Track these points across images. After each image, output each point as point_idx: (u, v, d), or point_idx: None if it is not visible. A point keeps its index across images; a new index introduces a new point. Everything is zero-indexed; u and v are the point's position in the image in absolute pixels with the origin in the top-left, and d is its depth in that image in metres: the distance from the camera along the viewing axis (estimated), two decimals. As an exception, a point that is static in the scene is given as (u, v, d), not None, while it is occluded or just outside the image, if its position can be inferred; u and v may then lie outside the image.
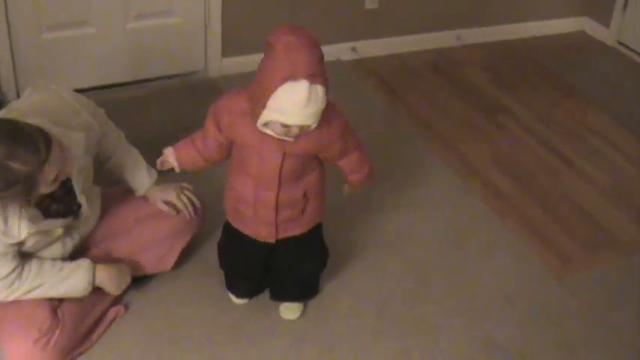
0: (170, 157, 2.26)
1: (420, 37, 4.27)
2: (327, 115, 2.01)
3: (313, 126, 1.99)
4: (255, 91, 1.95)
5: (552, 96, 4.01)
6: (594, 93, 4.06)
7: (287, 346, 2.40)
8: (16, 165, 1.82)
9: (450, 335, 2.51)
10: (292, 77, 1.86)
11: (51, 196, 2.10)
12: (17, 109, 2.08)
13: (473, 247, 2.89)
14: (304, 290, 2.50)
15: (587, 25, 4.74)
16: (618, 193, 3.28)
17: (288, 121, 1.93)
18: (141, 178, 2.46)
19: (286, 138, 2.02)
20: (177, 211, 2.47)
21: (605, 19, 4.62)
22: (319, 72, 1.90)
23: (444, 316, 2.58)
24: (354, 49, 4.11)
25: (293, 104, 1.89)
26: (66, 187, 2.14)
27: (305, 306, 2.52)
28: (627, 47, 4.53)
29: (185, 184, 2.54)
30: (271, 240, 2.27)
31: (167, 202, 2.47)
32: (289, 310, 2.49)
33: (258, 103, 1.94)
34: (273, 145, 2.06)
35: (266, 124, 1.99)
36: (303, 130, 1.99)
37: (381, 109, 3.70)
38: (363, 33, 4.10)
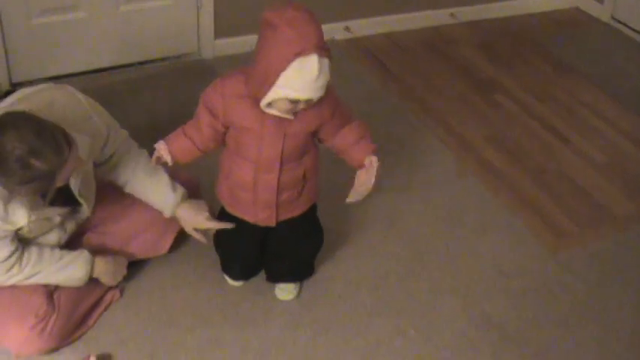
0: (163, 151, 2.19)
1: (415, 16, 4.25)
2: None
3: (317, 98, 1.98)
4: (260, 71, 1.93)
5: (547, 73, 3.99)
6: (589, 69, 4.05)
7: (283, 327, 2.41)
8: (37, 163, 1.80)
9: (445, 313, 2.52)
10: (303, 52, 1.85)
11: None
12: (30, 101, 2.05)
13: (468, 225, 2.89)
14: (300, 270, 2.50)
15: (581, 1, 4.72)
16: (613, 168, 3.28)
17: (299, 96, 1.92)
18: (164, 199, 2.37)
19: (288, 116, 2.01)
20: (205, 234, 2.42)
21: (599, -5, 4.61)
22: (325, 45, 1.90)
23: (440, 294, 2.58)
24: (347, 29, 4.09)
25: (305, 79, 1.88)
26: (64, 189, 2.14)
27: (300, 286, 2.53)
28: (622, 23, 4.51)
29: (202, 202, 2.43)
30: (272, 224, 2.26)
31: (197, 229, 2.41)
32: (285, 291, 2.49)
33: (265, 83, 1.92)
34: (274, 126, 2.05)
35: (270, 104, 1.98)
36: (308, 104, 1.98)
37: (375, 89, 3.69)
38: (357, 12, 4.08)
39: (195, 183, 2.59)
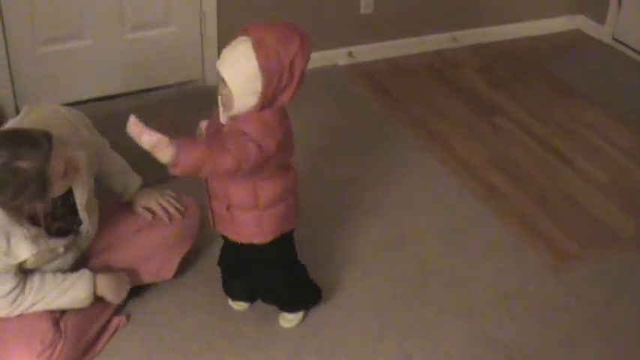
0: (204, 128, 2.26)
1: (416, 40, 4.28)
2: (260, 116, 2.01)
3: (236, 96, 1.96)
4: None
5: (549, 94, 4.02)
6: (591, 90, 4.07)
7: (288, 353, 2.41)
8: (23, 164, 1.82)
9: (451, 336, 2.52)
10: (243, 34, 1.96)
11: (52, 215, 2.13)
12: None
13: (471, 247, 2.90)
14: (288, 302, 2.47)
15: (582, 23, 4.75)
16: (617, 189, 3.29)
17: (218, 65, 1.98)
18: (125, 184, 2.51)
19: (222, 114, 2.05)
20: (154, 215, 2.51)
21: (600, 17, 4.62)
22: (268, 50, 1.92)
23: (445, 317, 2.59)
24: (350, 54, 4.13)
25: (226, 52, 1.98)
26: (68, 204, 2.16)
27: (304, 315, 2.52)
28: (623, 44, 4.53)
29: (167, 191, 2.56)
30: (216, 229, 2.28)
31: (146, 208, 2.51)
32: (285, 320, 2.49)
33: None
34: (212, 127, 2.13)
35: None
36: (229, 98, 1.98)
37: (378, 113, 3.71)
38: (359, 37, 4.12)
39: (196, 209, 2.61)
